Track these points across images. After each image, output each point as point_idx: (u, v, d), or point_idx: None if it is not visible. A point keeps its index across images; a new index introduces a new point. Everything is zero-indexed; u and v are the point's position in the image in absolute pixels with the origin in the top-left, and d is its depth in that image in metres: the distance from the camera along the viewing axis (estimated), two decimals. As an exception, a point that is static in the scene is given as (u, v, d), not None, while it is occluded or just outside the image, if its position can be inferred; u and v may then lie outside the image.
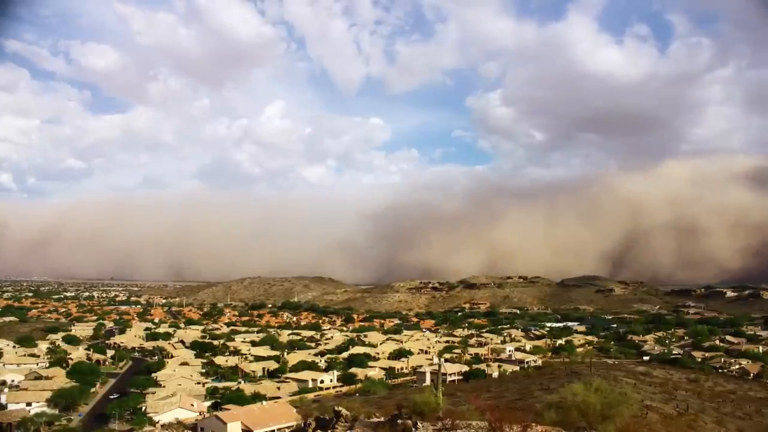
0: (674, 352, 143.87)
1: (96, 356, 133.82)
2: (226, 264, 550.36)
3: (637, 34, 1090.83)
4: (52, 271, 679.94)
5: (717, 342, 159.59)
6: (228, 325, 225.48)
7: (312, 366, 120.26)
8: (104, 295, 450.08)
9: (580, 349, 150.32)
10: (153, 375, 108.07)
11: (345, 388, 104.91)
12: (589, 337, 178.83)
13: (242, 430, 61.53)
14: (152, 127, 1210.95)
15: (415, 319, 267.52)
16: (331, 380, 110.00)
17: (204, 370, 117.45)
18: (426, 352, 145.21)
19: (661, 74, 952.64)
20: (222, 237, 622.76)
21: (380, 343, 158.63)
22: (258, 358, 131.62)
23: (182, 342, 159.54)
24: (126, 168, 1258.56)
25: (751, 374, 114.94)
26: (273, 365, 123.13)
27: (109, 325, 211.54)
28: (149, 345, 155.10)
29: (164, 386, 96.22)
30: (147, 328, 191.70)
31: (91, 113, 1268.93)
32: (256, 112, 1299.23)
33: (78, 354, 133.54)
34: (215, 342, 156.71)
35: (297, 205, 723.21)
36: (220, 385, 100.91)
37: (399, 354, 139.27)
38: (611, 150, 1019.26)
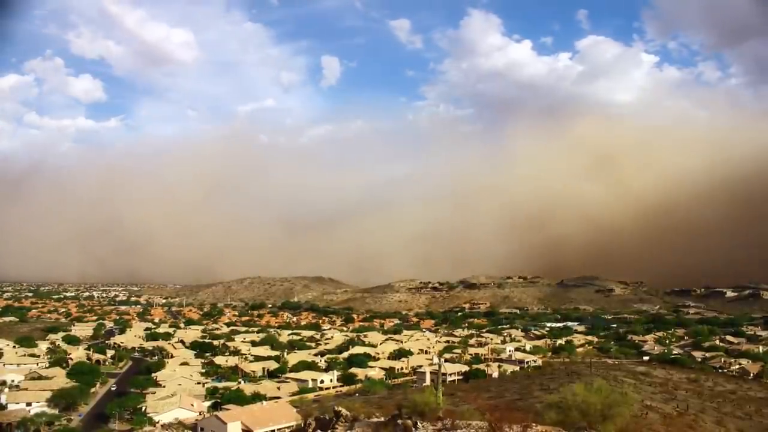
0: (674, 352, 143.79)
1: (96, 356, 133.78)
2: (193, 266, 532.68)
3: (549, 30, 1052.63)
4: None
5: (717, 342, 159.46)
6: (228, 325, 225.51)
7: (312, 366, 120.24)
8: (104, 295, 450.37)
9: (580, 349, 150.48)
10: (153, 375, 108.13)
11: (345, 388, 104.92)
12: (589, 337, 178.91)
13: (242, 430, 61.51)
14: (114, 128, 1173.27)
15: (415, 319, 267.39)
16: (331, 380, 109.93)
17: (204, 370, 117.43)
18: (426, 352, 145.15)
19: (573, 71, 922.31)
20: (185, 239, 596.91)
21: (380, 343, 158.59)
22: (258, 358, 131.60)
23: (182, 342, 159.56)
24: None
25: (751, 374, 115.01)
26: (273, 365, 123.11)
27: (109, 325, 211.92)
28: (149, 345, 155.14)
29: (164, 386, 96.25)
30: (147, 328, 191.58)
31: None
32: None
33: (78, 354, 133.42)
34: (215, 342, 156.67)
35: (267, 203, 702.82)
36: (220, 385, 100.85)
37: (399, 354, 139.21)
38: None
